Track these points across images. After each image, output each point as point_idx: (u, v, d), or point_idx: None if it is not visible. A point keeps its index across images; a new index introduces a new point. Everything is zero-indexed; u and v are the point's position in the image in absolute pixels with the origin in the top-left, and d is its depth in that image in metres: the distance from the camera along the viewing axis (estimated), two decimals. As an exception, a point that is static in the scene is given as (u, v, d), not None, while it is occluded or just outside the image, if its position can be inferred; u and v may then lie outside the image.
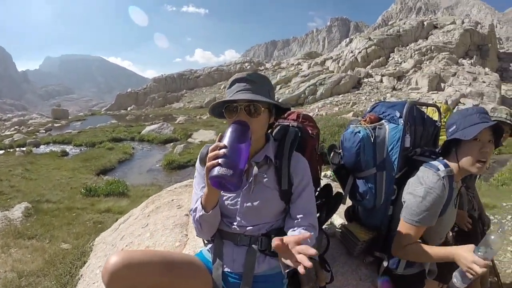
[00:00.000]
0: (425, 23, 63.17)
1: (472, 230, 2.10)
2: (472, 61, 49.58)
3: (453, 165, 1.59)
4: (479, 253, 1.32)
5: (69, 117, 48.81)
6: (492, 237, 1.32)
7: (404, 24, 64.71)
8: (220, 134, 1.21)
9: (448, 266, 1.58)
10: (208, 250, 1.51)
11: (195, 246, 2.10)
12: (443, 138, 1.84)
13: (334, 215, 2.36)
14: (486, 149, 1.51)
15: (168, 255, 1.37)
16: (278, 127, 1.55)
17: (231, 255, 1.41)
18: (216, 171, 1.10)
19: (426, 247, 1.54)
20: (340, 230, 2.07)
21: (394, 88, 44.91)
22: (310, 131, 1.66)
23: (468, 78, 40.88)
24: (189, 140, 19.93)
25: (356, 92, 44.88)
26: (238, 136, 1.18)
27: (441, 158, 1.66)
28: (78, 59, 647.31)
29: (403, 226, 1.58)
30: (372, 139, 1.69)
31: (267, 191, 1.40)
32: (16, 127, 35.73)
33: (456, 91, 37.58)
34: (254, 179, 1.38)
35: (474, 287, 2.39)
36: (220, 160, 1.11)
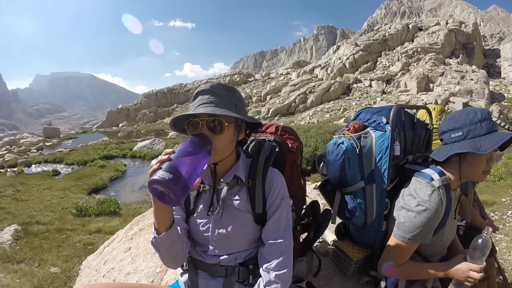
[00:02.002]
0: (410, 26, 64.53)
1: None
2: (458, 60, 50.60)
3: (451, 173, 1.45)
4: (471, 260, 1.36)
5: (61, 135, 48.60)
6: (479, 241, 1.33)
7: (389, 28, 66.04)
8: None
9: None
10: (184, 281, 1.35)
11: (177, 273, 1.94)
12: (436, 142, 1.70)
13: (326, 231, 2.22)
14: (492, 160, 1.41)
15: (134, 287, 1.23)
16: (253, 142, 1.38)
17: None
18: (156, 174, 0.94)
19: (417, 266, 1.47)
20: (332, 248, 1.92)
21: (383, 92, 45.53)
22: (290, 145, 1.50)
23: (456, 77, 41.58)
24: (182, 155, 19.77)
25: (346, 98, 45.50)
26: (192, 145, 1.05)
27: (434, 165, 1.50)
28: (68, 77, 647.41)
29: (394, 243, 1.43)
30: (357, 150, 1.55)
31: (240, 215, 1.25)
32: (7, 146, 35.41)
33: (445, 90, 38.15)
34: (223, 202, 1.22)
35: None
36: (162, 164, 0.97)
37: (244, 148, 1.38)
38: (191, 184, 0.98)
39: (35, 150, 30.56)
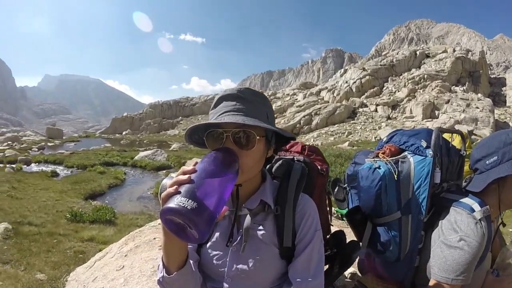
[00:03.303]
0: (417, 52, 65.27)
1: None
2: (464, 87, 50.84)
3: (490, 203, 1.30)
4: (503, 273, 1.33)
5: (64, 137, 48.72)
6: (509, 253, 1.33)
7: (397, 54, 66.85)
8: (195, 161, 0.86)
9: None
10: None
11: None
12: (466, 169, 1.59)
13: None
14: None
15: None
16: (280, 162, 1.18)
17: None
18: (173, 201, 0.71)
19: None
20: (350, 281, 1.72)
21: (389, 117, 45.68)
22: (319, 167, 1.32)
23: (462, 105, 41.67)
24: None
25: (351, 121, 45.74)
26: (216, 163, 0.83)
27: (471, 194, 1.35)
28: (76, 80, 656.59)
29: (436, 286, 1.24)
30: (395, 176, 1.36)
31: (264, 248, 1.04)
32: (9, 142, 35.52)
33: (450, 118, 38.15)
34: (246, 233, 1.01)
35: None
36: (181, 188, 0.74)
37: (267, 167, 1.17)
38: (217, 215, 0.75)
39: (37, 149, 30.57)
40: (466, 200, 1.30)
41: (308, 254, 1.03)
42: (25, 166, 18.80)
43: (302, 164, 1.17)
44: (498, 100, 52.71)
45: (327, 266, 1.44)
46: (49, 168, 18.49)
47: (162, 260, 0.92)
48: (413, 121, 41.43)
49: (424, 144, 1.40)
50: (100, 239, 6.36)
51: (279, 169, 1.15)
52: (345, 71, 67.22)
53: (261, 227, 1.04)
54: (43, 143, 36.21)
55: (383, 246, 1.43)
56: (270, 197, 1.06)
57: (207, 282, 1.09)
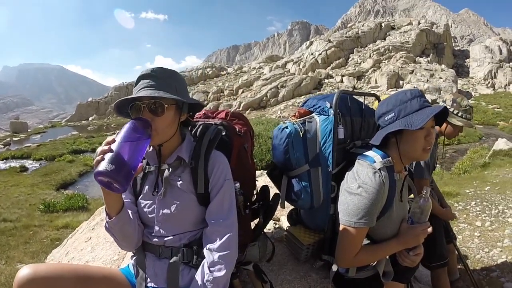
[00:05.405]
0: (383, 24, 65.86)
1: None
2: (428, 59, 52.06)
3: (393, 155, 1.44)
4: (417, 221, 1.42)
5: (29, 130, 46.70)
6: (421, 201, 1.38)
7: (362, 26, 67.05)
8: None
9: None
10: (133, 264, 1.37)
11: (133, 259, 1.99)
12: None
13: (283, 219, 2.27)
14: (431, 135, 1.39)
15: (81, 268, 1.25)
16: (200, 127, 1.40)
17: (153, 269, 1.30)
18: (99, 167, 0.99)
19: (371, 250, 1.46)
20: (286, 234, 1.93)
21: (354, 88, 46.35)
22: (237, 129, 1.52)
23: (426, 75, 42.88)
24: (152, 149, 19.82)
25: (318, 93, 45.74)
26: (132, 130, 1.09)
27: (375, 148, 1.48)
28: (36, 68, 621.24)
29: (343, 230, 1.40)
30: (301, 134, 1.58)
31: (183, 195, 1.27)
32: (-29, 143, 33.46)
33: (414, 87, 39.19)
34: (165, 182, 1.26)
35: (442, 278, 2.40)
36: (105, 155, 1.01)
37: (193, 132, 1.40)
38: (134, 171, 1.04)
39: (2, 146, 29.28)
40: (370, 153, 1.44)
41: (220, 199, 1.27)
42: (-8, 165, 18.17)
43: (217, 127, 1.41)
44: (461, 71, 54.72)
45: (257, 219, 1.67)
46: (17, 163, 17.91)
47: (105, 210, 1.19)
48: (378, 90, 42.20)
49: (328, 105, 1.62)
50: (74, 225, 6.43)
51: (199, 132, 1.38)
52: (311, 43, 66.79)
53: (179, 179, 1.29)
54: (8, 139, 34.51)
55: (296, 195, 1.66)
56: (186, 154, 1.30)
57: (144, 228, 1.34)
